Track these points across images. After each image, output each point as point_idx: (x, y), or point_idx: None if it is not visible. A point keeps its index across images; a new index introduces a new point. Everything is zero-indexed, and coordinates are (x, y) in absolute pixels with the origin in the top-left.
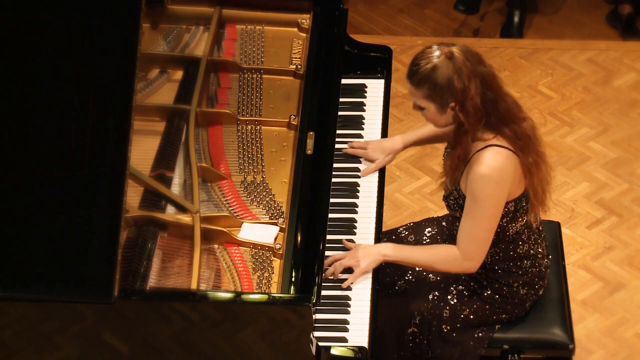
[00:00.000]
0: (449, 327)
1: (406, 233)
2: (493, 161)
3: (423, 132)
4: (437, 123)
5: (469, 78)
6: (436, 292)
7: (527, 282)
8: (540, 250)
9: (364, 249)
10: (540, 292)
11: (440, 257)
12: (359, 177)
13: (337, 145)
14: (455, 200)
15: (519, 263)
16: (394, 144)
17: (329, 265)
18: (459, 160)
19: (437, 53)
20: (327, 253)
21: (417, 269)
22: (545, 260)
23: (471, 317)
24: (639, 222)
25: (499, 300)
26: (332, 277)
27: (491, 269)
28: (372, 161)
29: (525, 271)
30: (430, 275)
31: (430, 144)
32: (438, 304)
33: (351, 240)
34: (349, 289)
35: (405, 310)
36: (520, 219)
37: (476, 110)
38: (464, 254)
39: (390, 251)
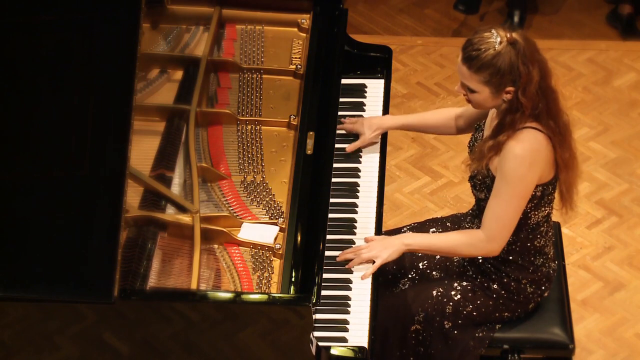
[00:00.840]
0: (450, 324)
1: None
2: (528, 142)
3: (414, 118)
4: (484, 106)
5: (533, 63)
6: (440, 289)
7: (535, 281)
8: (552, 251)
9: (384, 239)
10: (545, 295)
11: (463, 240)
12: (359, 177)
13: (337, 145)
14: (483, 179)
15: (532, 258)
16: (383, 121)
17: (343, 260)
18: (500, 144)
19: (498, 39)
20: (327, 253)
21: (421, 266)
22: (554, 263)
23: (474, 313)
24: (639, 222)
25: (505, 296)
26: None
27: (505, 260)
28: (359, 135)
29: (536, 268)
30: (434, 272)
31: (418, 132)
32: (441, 300)
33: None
34: (348, 288)
35: (408, 308)
36: (543, 209)
37: (534, 96)
38: (487, 235)
39: (412, 240)
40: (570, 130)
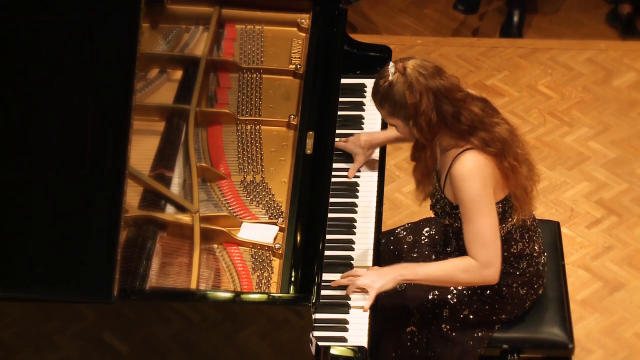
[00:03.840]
0: (448, 327)
1: (404, 234)
2: (471, 163)
3: None
4: (410, 138)
5: (421, 93)
6: (436, 292)
7: (526, 282)
8: (536, 248)
9: (380, 270)
10: (540, 292)
11: (459, 268)
12: (358, 177)
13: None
14: (442, 208)
15: (515, 264)
16: (373, 138)
17: (338, 286)
18: (421, 175)
19: (392, 70)
20: (326, 253)
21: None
22: (542, 258)
23: (471, 317)
24: (638, 222)
25: (499, 300)
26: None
27: None
28: (353, 155)
29: (523, 272)
30: None
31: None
32: (438, 304)
33: (349, 257)
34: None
35: (404, 309)
36: (510, 219)
37: (430, 126)
38: (479, 261)
39: (408, 271)
40: (511, 137)
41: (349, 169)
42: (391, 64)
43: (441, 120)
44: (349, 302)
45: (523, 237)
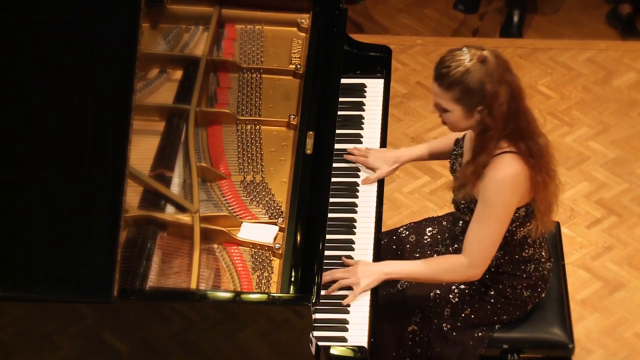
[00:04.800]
0: (449, 326)
1: (407, 233)
2: (509, 168)
3: (428, 147)
4: (458, 127)
5: (500, 83)
6: (437, 291)
7: (530, 285)
8: (543, 254)
9: (365, 266)
10: (543, 295)
11: (445, 266)
12: (358, 176)
13: (336, 145)
14: (467, 204)
15: (523, 267)
16: (400, 156)
17: (328, 282)
18: (482, 167)
19: (468, 56)
20: (326, 253)
21: None
22: (548, 264)
23: (472, 316)
24: (638, 222)
25: (502, 301)
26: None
27: (496, 272)
28: (373, 170)
29: (530, 275)
30: None
31: (435, 160)
32: (439, 302)
33: (349, 257)
34: (348, 288)
35: (405, 308)
36: (529, 224)
37: (503, 117)
38: (469, 260)
39: (392, 268)
40: (548, 151)
41: (349, 168)
42: (465, 49)
43: (509, 115)
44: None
45: (535, 242)
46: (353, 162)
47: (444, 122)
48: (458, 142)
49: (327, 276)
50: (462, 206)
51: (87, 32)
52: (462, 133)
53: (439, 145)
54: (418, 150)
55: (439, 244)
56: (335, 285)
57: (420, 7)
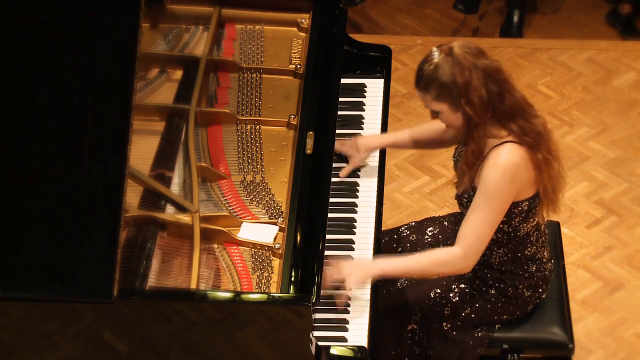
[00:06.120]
0: (449, 325)
1: (408, 232)
2: (510, 156)
3: (402, 135)
4: (455, 124)
5: (470, 70)
6: (438, 290)
7: (532, 285)
8: (545, 254)
9: (356, 263)
10: (544, 296)
11: (437, 259)
12: (358, 176)
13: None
14: (470, 197)
15: (525, 266)
16: (369, 142)
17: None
18: (473, 157)
19: (437, 54)
20: (326, 253)
21: None
22: (550, 264)
23: (472, 315)
24: (638, 222)
25: (503, 300)
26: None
27: (498, 270)
28: (349, 157)
29: (531, 275)
30: None
31: (409, 149)
32: (440, 302)
33: (349, 257)
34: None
35: (405, 306)
36: (532, 220)
37: (482, 102)
38: (464, 250)
39: (384, 264)
40: (546, 131)
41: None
42: (434, 48)
43: (489, 99)
44: (348, 300)
45: (538, 240)
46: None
47: (445, 124)
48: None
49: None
50: (465, 200)
51: (87, 32)
52: None
53: (420, 132)
54: (392, 137)
55: (439, 244)
56: (327, 280)
57: (420, 7)
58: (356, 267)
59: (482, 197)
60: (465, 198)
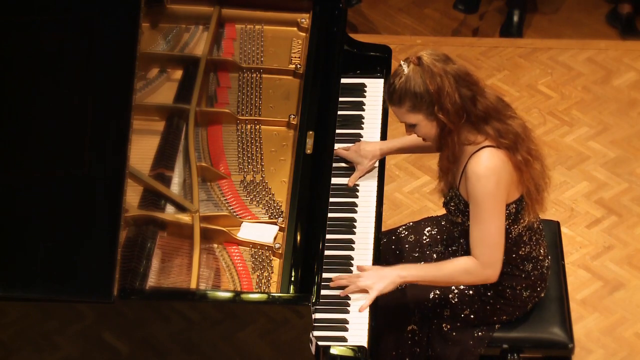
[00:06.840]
0: (449, 326)
1: (406, 233)
2: (488, 161)
3: (408, 140)
4: (431, 134)
5: (441, 76)
6: (437, 291)
7: (530, 285)
8: (541, 251)
9: (379, 270)
10: (542, 295)
11: (460, 268)
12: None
13: (336, 145)
14: (456, 205)
15: (520, 266)
16: (377, 149)
17: (337, 286)
18: (449, 162)
19: (405, 66)
20: (326, 252)
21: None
22: (546, 261)
23: (471, 316)
24: (638, 222)
25: (501, 301)
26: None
27: None
28: (355, 164)
29: (528, 274)
30: None
31: (414, 153)
32: (439, 303)
33: (349, 257)
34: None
35: (405, 307)
36: (522, 221)
37: (455, 107)
38: (482, 262)
39: (408, 272)
40: (525, 132)
41: (349, 168)
42: (402, 62)
43: (462, 103)
44: (348, 300)
45: (531, 239)
46: (353, 162)
47: (423, 139)
48: None
49: (342, 281)
50: (452, 208)
51: (87, 32)
52: None
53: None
54: (399, 142)
55: (438, 244)
56: (351, 287)
57: (420, 7)
58: (380, 277)
59: (475, 208)
60: (451, 206)
